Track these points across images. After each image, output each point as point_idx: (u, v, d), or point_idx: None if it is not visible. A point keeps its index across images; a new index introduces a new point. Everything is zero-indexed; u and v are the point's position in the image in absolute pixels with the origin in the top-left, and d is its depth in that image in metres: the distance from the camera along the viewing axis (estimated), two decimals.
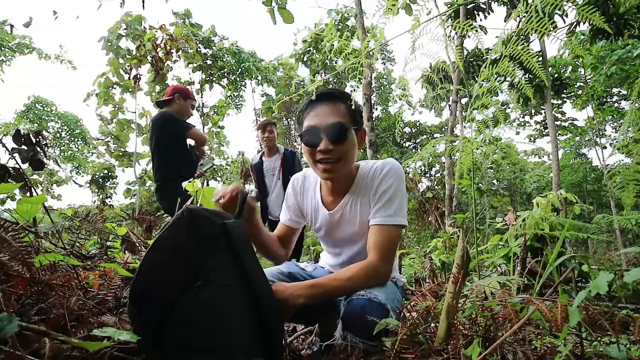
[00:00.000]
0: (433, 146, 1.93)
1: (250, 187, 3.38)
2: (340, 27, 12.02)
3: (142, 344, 0.78)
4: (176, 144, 2.99)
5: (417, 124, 17.82)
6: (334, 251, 1.36)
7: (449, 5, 8.02)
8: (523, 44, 1.28)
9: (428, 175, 16.55)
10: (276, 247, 1.31)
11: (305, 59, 13.89)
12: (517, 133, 20.32)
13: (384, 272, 1.10)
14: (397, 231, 1.13)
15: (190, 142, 3.15)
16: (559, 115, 17.37)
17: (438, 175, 16.03)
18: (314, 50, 13.53)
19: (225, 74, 13.31)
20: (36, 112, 18.85)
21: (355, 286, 1.04)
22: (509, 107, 16.22)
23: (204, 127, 13.67)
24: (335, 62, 13.23)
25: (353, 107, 1.19)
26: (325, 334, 1.29)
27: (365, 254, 1.16)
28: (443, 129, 16.61)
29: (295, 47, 14.25)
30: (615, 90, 15.39)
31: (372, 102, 4.63)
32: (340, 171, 1.16)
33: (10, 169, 1.71)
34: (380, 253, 1.09)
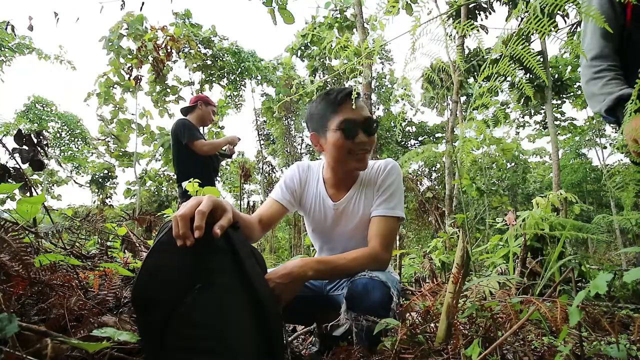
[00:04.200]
0: (433, 148, 1.93)
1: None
2: (338, 17, 11.95)
3: (144, 344, 0.78)
4: (185, 149, 3.11)
5: (419, 123, 17.82)
6: (328, 246, 1.39)
7: (450, 5, 8.02)
8: (523, 43, 1.28)
9: (429, 175, 16.55)
10: (250, 228, 1.17)
11: (300, 54, 13.85)
12: (517, 133, 20.33)
13: (385, 259, 1.16)
14: (396, 223, 1.22)
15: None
16: (559, 115, 17.36)
17: (438, 175, 16.03)
18: (310, 44, 13.48)
19: (225, 74, 13.30)
20: (36, 112, 18.83)
21: (358, 267, 1.08)
22: (509, 107, 16.22)
23: (203, 127, 13.65)
24: (331, 61, 13.21)
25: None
26: (326, 334, 1.30)
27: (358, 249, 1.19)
28: (444, 129, 16.60)
29: (294, 40, 14.20)
30: None
31: (373, 101, 4.62)
32: (368, 162, 1.25)
33: (10, 169, 1.71)
34: (382, 241, 1.16)
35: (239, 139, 3.48)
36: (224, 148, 3.44)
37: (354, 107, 1.16)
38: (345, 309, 1.04)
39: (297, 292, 1.03)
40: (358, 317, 0.99)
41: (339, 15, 11.94)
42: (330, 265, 1.08)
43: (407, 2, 6.98)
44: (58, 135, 19.00)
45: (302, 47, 13.75)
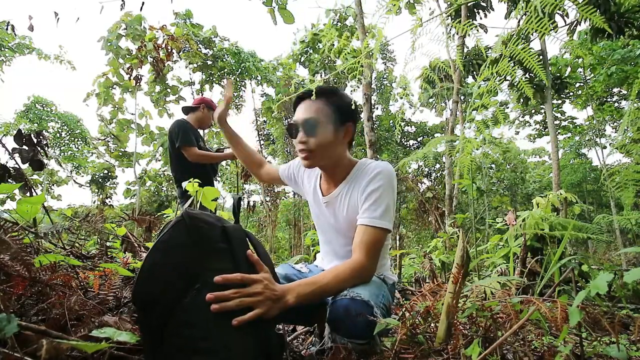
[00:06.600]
0: (432, 147, 1.93)
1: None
2: (338, 25, 12.02)
3: (144, 343, 0.78)
4: (179, 151, 3.10)
5: (419, 123, 17.81)
6: (324, 238, 1.42)
7: (449, 4, 8.02)
8: (523, 43, 1.28)
9: (428, 175, 16.54)
10: (254, 157, 1.62)
11: (302, 59, 13.92)
12: (517, 133, 20.33)
13: (369, 271, 1.13)
14: (382, 234, 1.16)
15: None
16: (559, 115, 17.37)
17: (438, 175, 16.03)
18: (312, 51, 13.56)
19: (226, 74, 13.30)
20: (36, 112, 18.80)
21: (342, 285, 1.05)
22: (509, 107, 16.23)
23: (203, 129, 13.63)
24: (334, 63, 13.24)
25: (339, 101, 1.27)
26: (324, 335, 1.30)
27: (351, 246, 1.19)
28: (444, 129, 16.59)
29: (294, 47, 14.26)
30: (615, 90, 15.39)
31: (373, 101, 4.62)
32: (317, 161, 1.27)
33: (10, 169, 1.71)
34: (366, 252, 1.13)
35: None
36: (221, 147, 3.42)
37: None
38: (329, 331, 1.02)
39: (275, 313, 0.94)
40: (343, 342, 0.97)
41: (339, 24, 11.98)
42: (314, 286, 1.01)
43: (409, 1, 6.96)
44: (58, 135, 18.98)
45: (303, 53, 13.81)
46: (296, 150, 1.29)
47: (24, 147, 1.83)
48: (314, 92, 1.23)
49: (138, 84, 10.72)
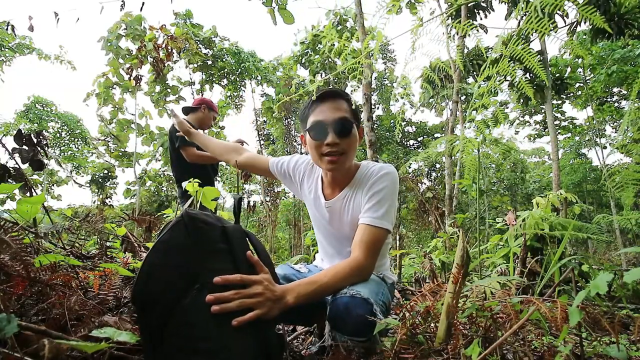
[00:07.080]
0: (434, 147, 1.93)
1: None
2: (339, 28, 12.06)
3: (144, 343, 0.78)
4: (179, 151, 3.10)
5: (419, 123, 17.82)
6: (325, 241, 1.41)
7: (449, 4, 8.01)
8: (523, 43, 1.28)
9: (428, 174, 16.53)
10: (228, 146, 1.58)
11: (303, 60, 13.94)
12: (517, 132, 20.33)
13: (368, 270, 1.14)
14: (383, 234, 1.17)
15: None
16: (559, 115, 17.37)
17: (438, 175, 16.03)
18: (312, 52, 13.58)
19: (225, 74, 13.30)
20: (36, 112, 18.79)
21: (340, 283, 1.05)
22: (509, 107, 16.25)
23: (203, 130, 13.63)
24: (335, 63, 13.26)
25: (352, 105, 1.26)
26: (324, 334, 1.30)
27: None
28: (443, 129, 16.59)
29: (294, 47, 14.28)
30: (615, 90, 15.40)
31: (373, 101, 4.62)
32: (345, 164, 1.22)
33: (10, 169, 1.71)
34: (365, 251, 1.13)
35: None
36: None
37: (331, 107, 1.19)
38: (330, 329, 1.03)
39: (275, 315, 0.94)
40: (343, 340, 0.97)
41: (339, 26, 12.00)
42: (315, 285, 1.02)
43: (410, 0, 6.94)
44: (58, 135, 18.97)
45: (304, 54, 13.82)
46: (317, 152, 1.21)
47: (24, 147, 1.83)
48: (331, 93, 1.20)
49: (138, 84, 10.72)
